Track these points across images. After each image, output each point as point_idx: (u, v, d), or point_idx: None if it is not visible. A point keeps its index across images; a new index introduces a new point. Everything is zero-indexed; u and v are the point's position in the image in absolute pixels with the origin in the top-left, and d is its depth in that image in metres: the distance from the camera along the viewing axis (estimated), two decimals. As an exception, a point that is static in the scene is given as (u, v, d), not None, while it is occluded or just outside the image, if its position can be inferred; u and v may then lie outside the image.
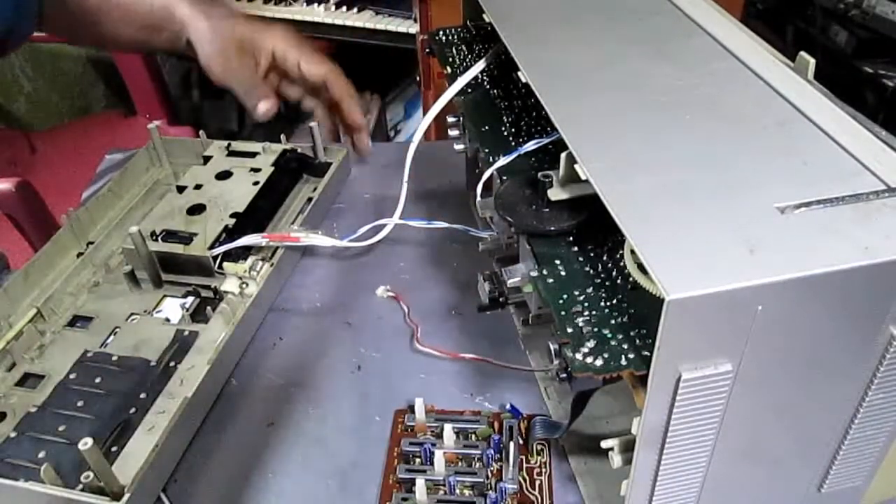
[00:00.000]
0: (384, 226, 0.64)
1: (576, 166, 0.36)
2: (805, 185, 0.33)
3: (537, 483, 0.46)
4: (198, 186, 0.69)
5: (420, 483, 0.44)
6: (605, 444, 0.37)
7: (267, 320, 0.61)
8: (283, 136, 0.75)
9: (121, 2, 0.65)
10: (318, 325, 0.60)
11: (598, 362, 0.33)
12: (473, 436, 0.49)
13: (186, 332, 0.56)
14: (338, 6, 1.43)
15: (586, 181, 0.35)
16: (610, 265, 0.39)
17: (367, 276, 0.64)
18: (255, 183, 0.68)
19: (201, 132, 0.76)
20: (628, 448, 0.35)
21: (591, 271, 0.39)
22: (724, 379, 0.31)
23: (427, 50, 0.63)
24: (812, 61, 0.42)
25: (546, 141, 0.47)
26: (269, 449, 0.50)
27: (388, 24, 1.38)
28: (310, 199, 0.69)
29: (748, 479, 0.38)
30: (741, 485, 0.38)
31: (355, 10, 1.42)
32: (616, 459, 0.36)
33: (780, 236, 0.30)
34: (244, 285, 0.59)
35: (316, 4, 1.43)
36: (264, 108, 0.64)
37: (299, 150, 0.74)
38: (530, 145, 0.47)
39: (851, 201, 0.32)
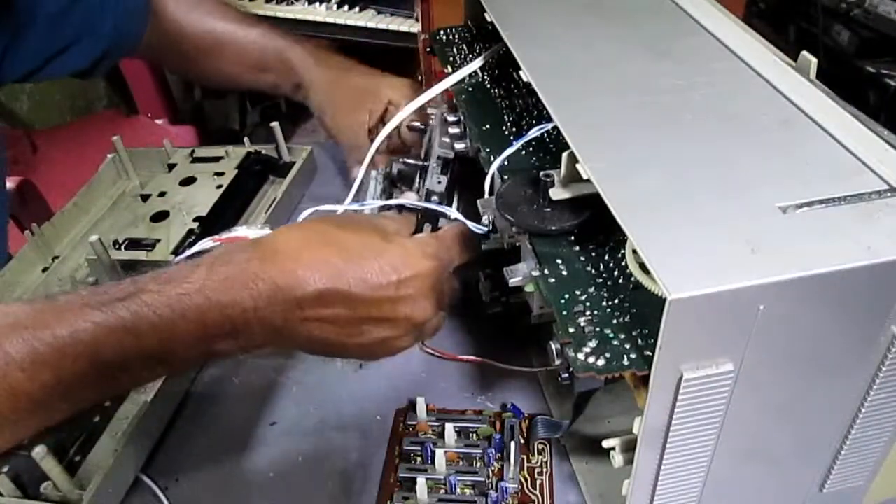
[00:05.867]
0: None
1: (577, 165, 0.36)
2: (807, 184, 0.33)
3: (538, 482, 0.46)
4: (162, 194, 0.69)
5: (421, 482, 0.44)
6: (606, 443, 0.37)
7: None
8: (245, 139, 0.75)
9: (235, 42, 0.66)
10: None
11: (600, 362, 0.33)
12: (474, 435, 0.49)
13: None
14: (339, 5, 1.42)
15: (588, 180, 0.35)
16: (612, 265, 0.39)
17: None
18: (219, 186, 0.68)
19: (166, 141, 0.75)
20: (630, 448, 0.35)
21: (593, 271, 0.39)
22: (725, 379, 0.31)
23: (428, 49, 0.63)
24: (814, 61, 0.42)
25: (546, 127, 0.46)
26: (271, 448, 0.50)
27: (389, 23, 1.38)
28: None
29: (750, 478, 0.38)
30: (743, 484, 0.38)
31: (357, 9, 1.42)
32: (617, 459, 0.36)
33: (782, 236, 0.30)
34: None
35: (317, 4, 1.43)
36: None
37: (263, 152, 0.74)
38: (532, 132, 0.47)
39: (854, 201, 0.32)
